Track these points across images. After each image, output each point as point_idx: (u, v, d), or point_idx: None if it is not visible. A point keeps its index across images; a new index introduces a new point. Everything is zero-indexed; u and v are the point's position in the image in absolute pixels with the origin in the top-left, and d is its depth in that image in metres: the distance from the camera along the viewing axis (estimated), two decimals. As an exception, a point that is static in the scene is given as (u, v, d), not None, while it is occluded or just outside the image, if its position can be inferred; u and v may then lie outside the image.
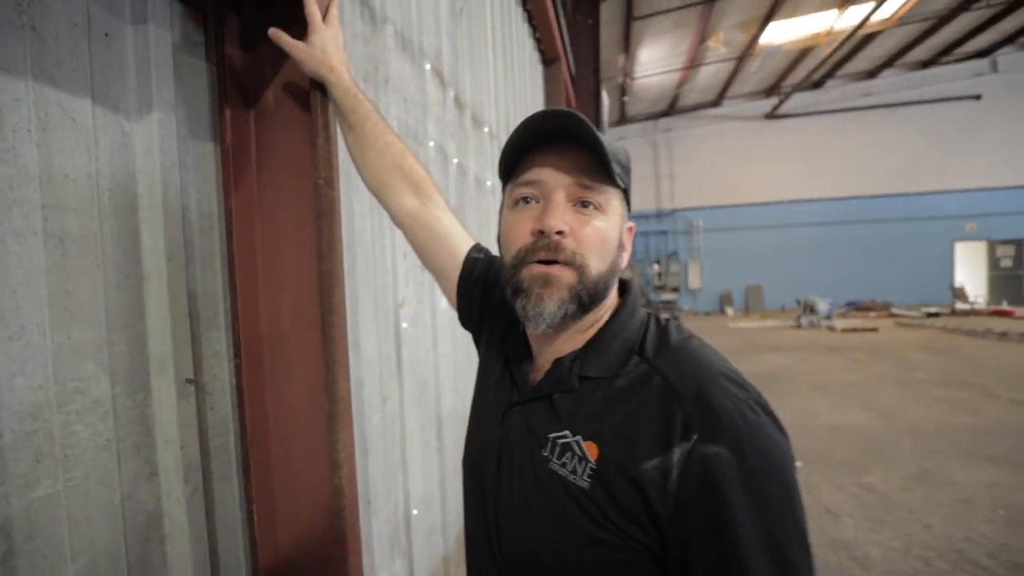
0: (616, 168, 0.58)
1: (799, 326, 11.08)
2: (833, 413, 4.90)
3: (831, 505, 3.15)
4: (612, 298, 0.64)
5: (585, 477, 0.55)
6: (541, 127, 0.59)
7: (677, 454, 0.51)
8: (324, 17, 0.87)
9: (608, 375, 0.59)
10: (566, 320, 0.59)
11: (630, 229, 0.66)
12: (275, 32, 0.85)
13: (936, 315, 11.44)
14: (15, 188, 0.61)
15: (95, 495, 0.69)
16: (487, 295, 0.80)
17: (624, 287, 0.67)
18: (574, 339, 0.62)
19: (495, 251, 0.74)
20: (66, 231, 0.67)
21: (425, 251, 0.87)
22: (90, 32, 0.70)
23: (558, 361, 0.62)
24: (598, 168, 0.57)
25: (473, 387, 0.77)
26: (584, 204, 0.58)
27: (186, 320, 0.84)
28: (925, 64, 13.07)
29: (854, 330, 9.99)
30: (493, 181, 2.71)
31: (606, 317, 0.63)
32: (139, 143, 0.78)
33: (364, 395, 1.28)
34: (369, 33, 1.43)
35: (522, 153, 0.61)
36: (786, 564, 0.49)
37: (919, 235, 13.73)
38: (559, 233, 0.56)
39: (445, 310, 1.99)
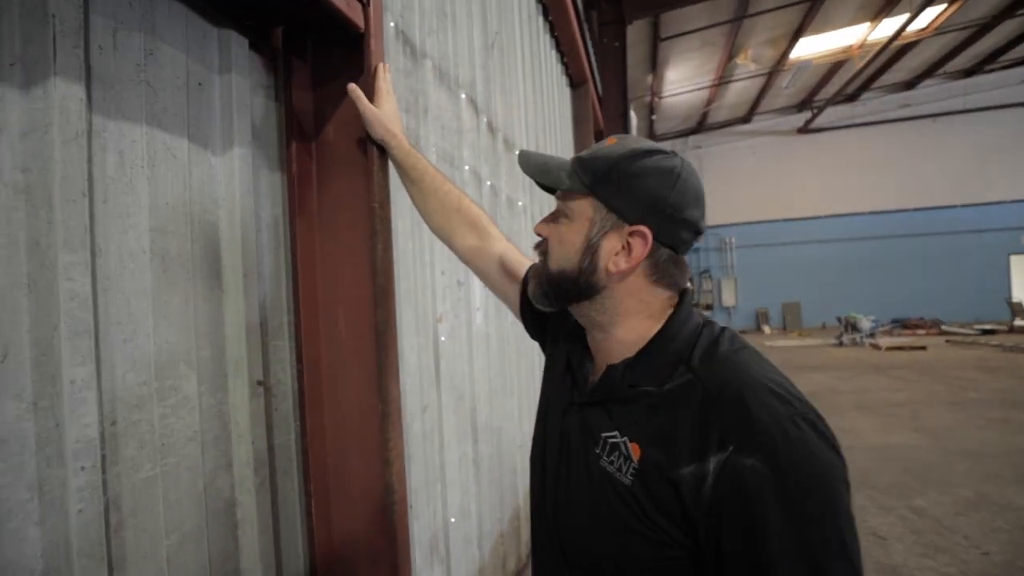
0: (580, 176, 0.66)
1: (840, 344, 10.68)
2: (878, 434, 4.70)
3: (878, 528, 3.03)
4: (656, 306, 0.66)
5: (628, 475, 0.59)
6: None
7: (712, 463, 0.53)
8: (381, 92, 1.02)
9: (656, 385, 0.61)
10: (549, 303, 0.71)
11: (632, 232, 0.63)
12: (354, 90, 0.97)
13: (991, 332, 10.82)
14: (131, 215, 0.72)
15: (184, 481, 0.78)
16: None
17: (681, 295, 0.68)
18: (624, 344, 0.66)
19: None
20: (167, 251, 0.78)
21: (490, 279, 0.98)
22: (188, 83, 0.83)
23: (611, 368, 0.66)
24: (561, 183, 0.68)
25: (524, 397, 0.86)
26: (557, 213, 0.70)
27: (257, 328, 0.94)
28: (968, 72, 12.65)
29: (900, 348, 9.56)
30: (524, 201, 2.81)
31: (658, 326, 0.65)
32: (222, 175, 0.90)
33: (407, 403, 1.36)
34: (410, 68, 1.55)
35: None
36: None
37: (970, 248, 13.10)
38: (539, 239, 0.72)
39: (480, 325, 2.07)
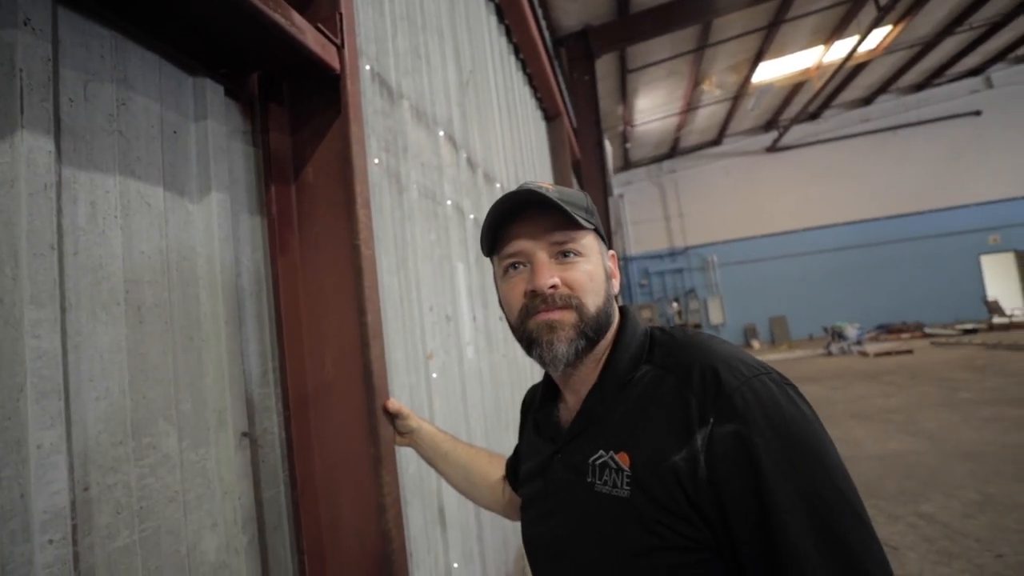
0: (581, 214, 0.66)
1: (829, 353, 10.76)
2: (877, 442, 4.68)
3: (889, 538, 2.97)
4: (614, 324, 0.70)
5: (624, 487, 0.57)
6: (504, 207, 0.67)
7: (699, 440, 0.53)
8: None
9: (624, 390, 0.63)
10: (580, 355, 0.65)
11: (612, 257, 0.74)
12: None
13: (973, 331, 11.02)
14: (104, 266, 0.70)
15: (165, 546, 0.73)
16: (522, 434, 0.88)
17: (622, 311, 0.72)
18: (593, 371, 0.68)
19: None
20: (142, 301, 0.75)
21: (495, 500, 0.98)
22: (163, 131, 0.82)
23: (584, 401, 0.67)
24: (564, 221, 0.65)
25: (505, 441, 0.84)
26: (565, 255, 0.66)
27: (240, 377, 0.91)
28: (919, 87, 13.33)
29: (888, 353, 9.65)
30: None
31: (611, 339, 0.69)
32: (199, 221, 0.88)
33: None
34: (388, 109, 1.57)
35: (498, 230, 0.70)
36: (832, 534, 0.48)
37: (943, 252, 13.48)
38: (552, 287, 0.64)
39: (472, 360, 2.03)
